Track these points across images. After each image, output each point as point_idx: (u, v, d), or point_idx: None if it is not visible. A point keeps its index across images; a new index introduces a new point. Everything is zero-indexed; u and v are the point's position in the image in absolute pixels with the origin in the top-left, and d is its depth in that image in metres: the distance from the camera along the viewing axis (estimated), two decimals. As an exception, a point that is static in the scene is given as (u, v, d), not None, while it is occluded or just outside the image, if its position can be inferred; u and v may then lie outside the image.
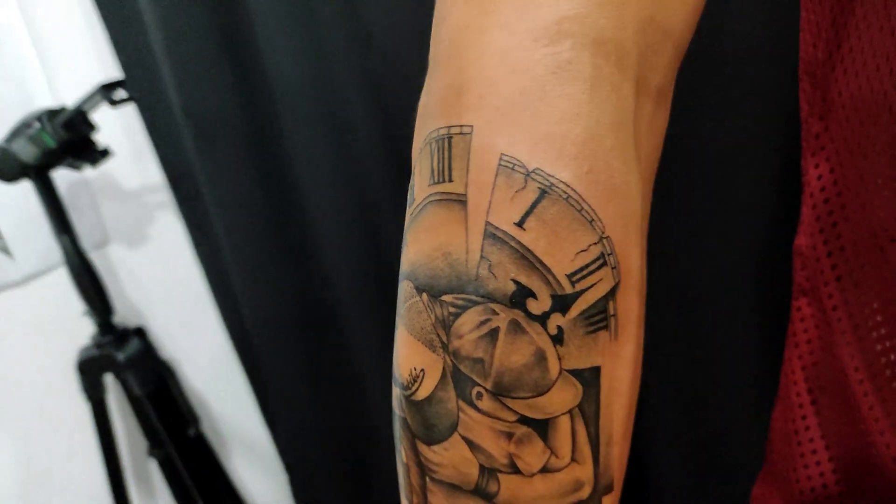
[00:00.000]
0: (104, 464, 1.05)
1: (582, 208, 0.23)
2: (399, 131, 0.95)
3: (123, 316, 1.18)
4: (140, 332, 1.05)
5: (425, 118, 0.26)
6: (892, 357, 0.35)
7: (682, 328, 0.77)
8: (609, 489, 0.26)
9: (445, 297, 0.25)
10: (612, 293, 0.24)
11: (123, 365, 0.98)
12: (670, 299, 0.76)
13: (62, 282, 1.11)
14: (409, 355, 0.26)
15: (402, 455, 0.28)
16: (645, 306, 0.28)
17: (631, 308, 0.25)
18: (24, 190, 1.04)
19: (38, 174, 0.91)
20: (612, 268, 0.24)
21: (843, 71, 0.32)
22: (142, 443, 1.21)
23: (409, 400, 0.26)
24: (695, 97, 0.64)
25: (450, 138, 0.24)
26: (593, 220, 0.23)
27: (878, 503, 0.38)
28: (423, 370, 0.26)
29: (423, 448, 0.26)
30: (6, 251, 1.08)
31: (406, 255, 0.27)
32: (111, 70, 1.12)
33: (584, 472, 0.25)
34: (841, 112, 0.33)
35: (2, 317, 1.08)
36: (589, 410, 0.25)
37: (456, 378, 0.25)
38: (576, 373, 0.24)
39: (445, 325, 0.25)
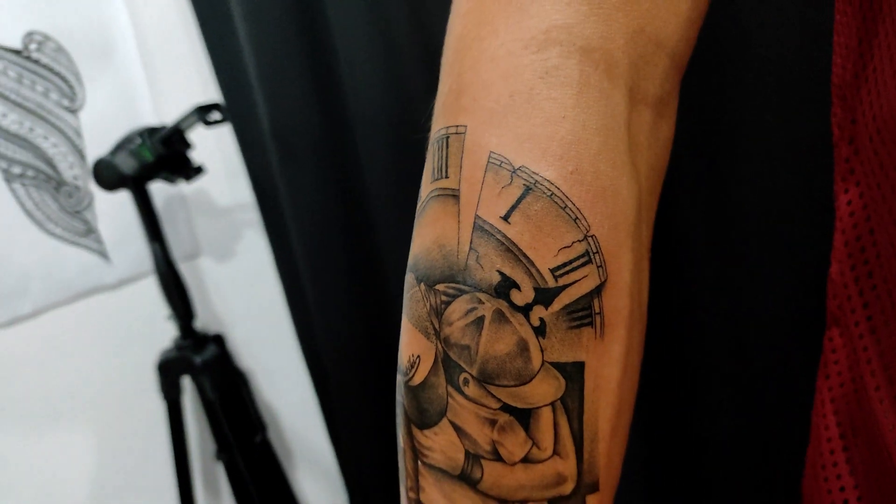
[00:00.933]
0: (174, 462, 1.11)
1: (566, 206, 0.24)
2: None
3: (205, 323, 1.25)
4: (218, 339, 1.11)
5: (433, 121, 0.28)
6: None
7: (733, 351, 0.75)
8: (594, 488, 0.26)
9: (439, 287, 0.26)
10: (597, 291, 0.25)
11: (200, 368, 1.04)
12: (725, 333, 0.74)
13: (151, 289, 1.19)
14: (408, 342, 0.28)
15: (399, 440, 0.29)
16: (644, 310, 0.29)
17: (619, 308, 0.26)
18: (126, 201, 1.14)
19: (136, 185, 0.99)
20: (598, 266, 0.25)
21: (868, 91, 0.32)
22: (211, 446, 1.26)
23: (406, 385, 0.28)
24: (739, 123, 0.64)
25: (447, 138, 0.26)
26: (578, 218, 0.25)
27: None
28: (419, 356, 0.27)
29: (416, 432, 0.28)
30: (104, 256, 1.17)
31: (411, 249, 0.29)
32: (212, 94, 1.21)
33: (567, 466, 0.26)
34: (866, 133, 0.33)
35: (94, 317, 1.17)
36: (572, 405, 0.26)
37: (446, 364, 0.26)
38: (558, 366, 0.25)
39: (438, 312, 0.26)
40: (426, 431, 0.27)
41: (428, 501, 0.28)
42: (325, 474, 1.44)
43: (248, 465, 1.08)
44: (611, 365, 0.26)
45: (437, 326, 0.26)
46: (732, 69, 0.65)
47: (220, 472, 1.29)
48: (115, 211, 1.16)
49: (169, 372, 1.07)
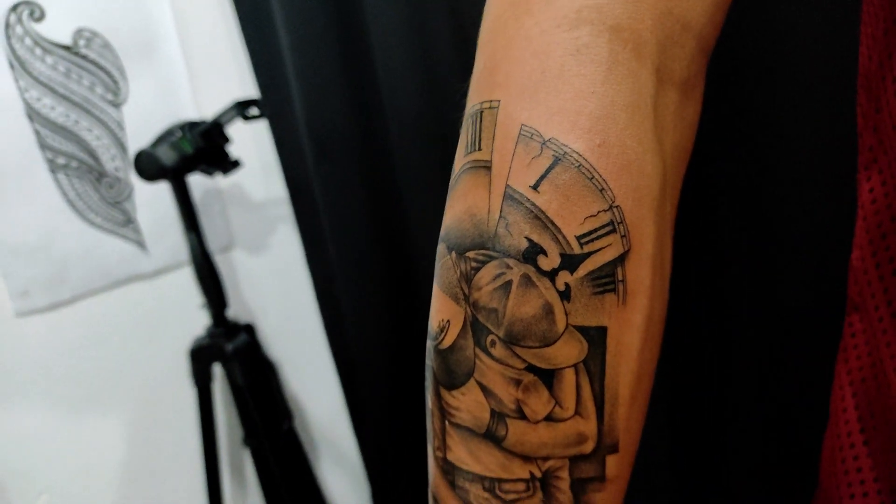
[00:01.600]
0: (202, 447, 1.13)
1: (593, 177, 0.26)
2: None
3: (236, 314, 1.28)
4: (249, 329, 1.14)
5: (468, 98, 0.30)
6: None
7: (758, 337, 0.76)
8: (613, 449, 0.28)
9: (469, 254, 0.28)
10: (620, 259, 0.26)
11: (231, 355, 1.06)
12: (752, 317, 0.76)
13: (185, 279, 1.23)
14: (438, 308, 0.30)
15: (428, 402, 0.31)
16: (666, 284, 0.30)
17: (642, 278, 0.27)
18: (164, 193, 1.17)
19: (175, 176, 1.02)
20: (622, 236, 0.26)
21: (893, 80, 0.33)
22: (238, 434, 1.29)
23: (436, 349, 0.29)
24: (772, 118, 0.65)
25: (481, 112, 0.28)
26: (604, 189, 0.26)
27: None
28: (448, 321, 0.29)
29: (444, 393, 0.29)
30: (142, 246, 1.20)
31: (444, 221, 0.30)
32: (250, 90, 1.24)
33: (588, 426, 0.27)
34: (890, 122, 0.33)
35: (130, 305, 1.20)
36: (594, 368, 0.27)
37: (474, 327, 0.28)
38: (582, 329, 0.26)
39: (468, 278, 0.28)
40: (454, 392, 0.29)
41: (454, 460, 0.29)
42: (347, 466, 1.46)
43: (274, 451, 1.10)
44: (632, 332, 0.27)
45: (466, 291, 0.28)
46: (762, 64, 0.65)
47: (245, 458, 1.32)
48: (153, 203, 1.20)
49: (201, 359, 1.10)
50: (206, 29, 1.22)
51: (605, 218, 0.26)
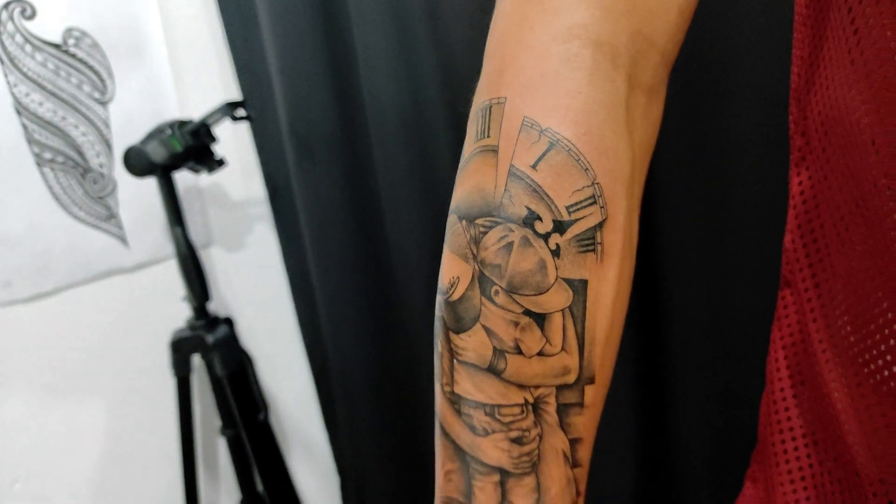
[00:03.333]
0: (180, 437, 1.17)
1: (579, 159, 0.32)
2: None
3: (213, 309, 1.32)
4: (229, 322, 1.18)
5: (477, 96, 0.36)
6: (856, 347, 0.41)
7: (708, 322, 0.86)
8: (591, 381, 0.34)
9: (478, 221, 0.34)
10: (599, 226, 0.33)
11: (212, 346, 1.10)
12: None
13: (164, 274, 1.26)
14: (449, 267, 0.36)
15: (438, 346, 0.37)
16: (633, 250, 0.37)
17: (615, 242, 0.34)
18: (145, 190, 1.21)
19: (163, 172, 1.06)
20: (601, 207, 0.33)
21: (815, 93, 0.40)
22: (212, 425, 1.33)
23: (446, 302, 0.36)
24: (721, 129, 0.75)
25: (490, 107, 0.34)
26: (587, 168, 0.33)
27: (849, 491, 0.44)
28: (458, 277, 0.35)
29: (453, 337, 0.35)
30: (123, 240, 1.24)
31: (454, 196, 0.37)
32: (233, 92, 1.29)
33: (571, 360, 0.34)
34: (814, 128, 0.41)
35: (110, 298, 1.23)
36: (577, 313, 0.33)
37: (481, 280, 0.34)
38: (568, 281, 0.33)
39: (476, 240, 0.34)
40: (461, 335, 0.35)
41: (461, 392, 0.35)
42: (317, 459, 1.50)
43: (251, 440, 1.14)
44: (607, 285, 0.34)
45: (474, 252, 0.34)
46: (715, 81, 0.74)
47: (219, 448, 1.35)
48: (135, 199, 1.23)
49: (181, 350, 1.14)
50: (191, 31, 1.26)
51: (588, 192, 0.33)
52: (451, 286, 0.35)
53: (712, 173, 0.79)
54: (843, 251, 0.40)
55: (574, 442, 0.34)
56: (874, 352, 0.38)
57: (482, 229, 0.34)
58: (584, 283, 0.33)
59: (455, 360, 0.35)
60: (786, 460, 0.46)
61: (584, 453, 0.35)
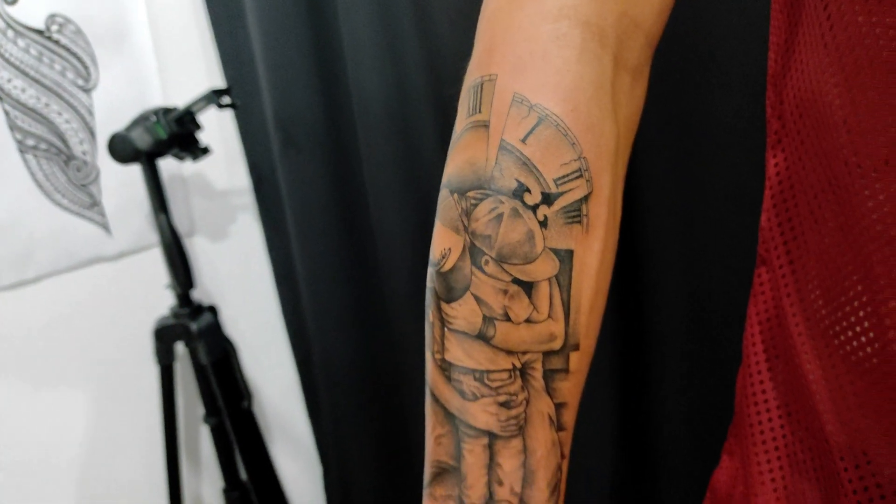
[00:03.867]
0: (163, 425, 1.17)
1: (567, 134, 0.34)
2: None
3: (196, 298, 1.32)
4: (213, 310, 1.18)
5: (468, 74, 0.38)
6: (827, 321, 0.43)
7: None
8: (576, 347, 0.36)
9: (469, 193, 0.35)
10: (585, 199, 0.35)
11: (196, 334, 1.11)
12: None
13: (147, 263, 1.26)
14: (441, 239, 0.37)
15: (429, 316, 0.38)
16: (617, 223, 0.38)
17: (599, 215, 0.35)
18: (128, 178, 1.21)
19: (148, 160, 1.06)
20: (587, 180, 0.34)
21: (790, 78, 0.42)
22: (194, 414, 1.33)
23: (438, 272, 0.37)
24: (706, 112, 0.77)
25: (482, 84, 0.36)
26: (574, 143, 0.34)
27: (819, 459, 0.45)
28: (449, 248, 0.36)
29: (444, 306, 0.37)
30: (106, 228, 1.23)
31: (446, 171, 0.38)
32: (217, 81, 1.29)
33: (557, 327, 0.35)
34: (790, 111, 0.43)
35: (93, 286, 1.23)
36: (563, 282, 0.35)
37: (472, 250, 0.35)
38: (555, 251, 0.34)
39: (468, 213, 0.35)
40: (452, 304, 0.36)
41: (451, 358, 0.36)
42: (300, 448, 1.50)
43: (235, 428, 1.15)
44: (591, 255, 0.35)
45: (466, 223, 0.35)
46: (698, 66, 0.77)
47: (200, 437, 1.36)
48: (118, 187, 1.23)
49: (165, 338, 1.14)
50: (176, 19, 1.26)
51: (575, 166, 0.34)
52: (443, 257, 0.37)
53: (690, 156, 0.82)
54: (815, 229, 0.42)
55: (559, 406, 0.36)
56: (844, 324, 0.40)
57: (473, 201, 0.35)
58: (570, 253, 0.35)
59: (446, 329, 0.37)
60: (760, 431, 0.48)
61: (569, 417, 0.37)
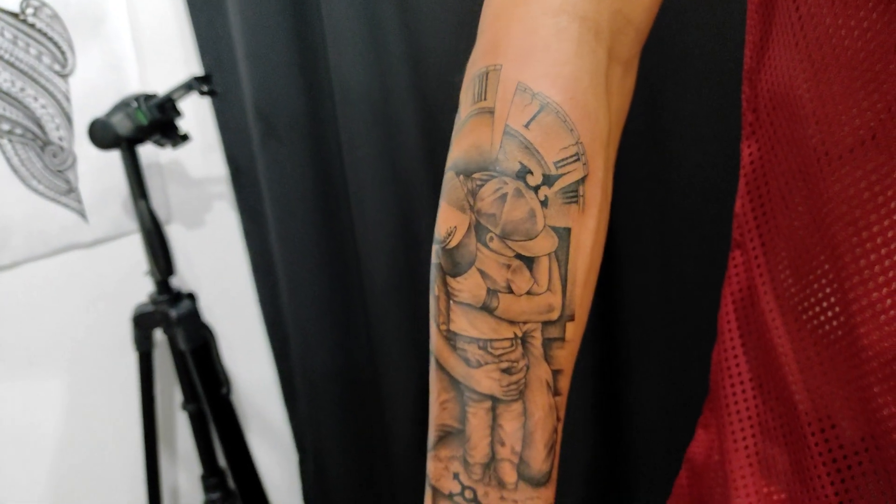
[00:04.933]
0: (141, 412, 1.17)
1: (566, 120, 0.37)
2: (440, 143, 1.10)
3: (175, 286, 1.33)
4: (191, 296, 1.19)
5: (471, 65, 0.40)
6: (797, 297, 0.47)
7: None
8: (571, 318, 0.39)
9: (475, 175, 0.38)
10: (581, 181, 0.37)
11: (175, 321, 1.11)
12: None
13: (123, 250, 1.26)
14: (446, 218, 0.40)
15: (434, 290, 0.40)
16: (608, 204, 0.41)
17: (594, 196, 0.38)
18: (106, 165, 1.21)
19: (128, 145, 1.06)
20: (584, 164, 0.37)
21: (764, 73, 0.46)
22: (168, 402, 1.34)
23: (444, 249, 0.39)
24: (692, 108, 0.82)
25: (487, 73, 0.38)
26: (573, 129, 0.37)
27: (790, 432, 0.49)
28: (455, 226, 0.39)
29: (450, 280, 0.39)
30: (83, 215, 1.23)
31: (451, 155, 0.40)
32: (194, 68, 1.29)
33: (555, 299, 0.38)
34: (763, 104, 0.46)
35: (68, 272, 1.23)
36: (561, 257, 0.38)
37: (477, 228, 0.38)
38: (554, 228, 0.37)
39: (473, 193, 0.38)
40: (458, 278, 0.39)
41: (456, 329, 0.39)
42: (276, 437, 1.52)
43: (214, 415, 1.16)
44: (587, 233, 0.38)
45: (471, 203, 0.38)
46: (677, 62, 0.81)
47: (177, 424, 1.36)
48: (95, 173, 1.23)
49: (144, 325, 1.14)
50: (154, 6, 1.26)
51: (573, 150, 0.37)
52: (449, 235, 0.39)
53: (663, 147, 0.86)
54: (786, 213, 0.46)
55: (556, 373, 0.39)
56: (812, 300, 0.44)
57: (479, 182, 0.38)
58: (568, 230, 0.38)
59: (451, 301, 0.39)
60: (734, 402, 0.52)
61: (564, 384, 0.40)
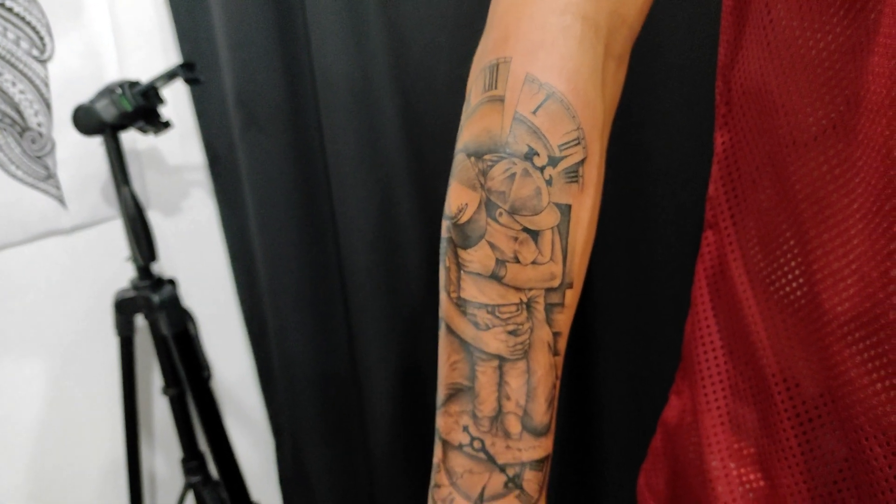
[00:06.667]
0: (123, 397, 1.19)
1: (569, 108, 0.41)
2: (420, 133, 1.14)
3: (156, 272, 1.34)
4: (172, 282, 1.20)
5: (481, 58, 0.44)
6: (765, 270, 0.52)
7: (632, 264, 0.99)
8: (570, 286, 0.43)
9: (486, 156, 0.42)
10: (581, 163, 0.42)
11: (158, 306, 1.13)
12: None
13: (101, 236, 1.27)
14: (457, 196, 0.44)
15: (445, 262, 0.44)
16: (601, 184, 0.46)
17: (591, 176, 0.43)
18: (85, 151, 1.21)
19: (112, 132, 1.07)
20: (583, 147, 0.42)
21: (737, 69, 0.51)
22: (146, 387, 1.35)
23: (455, 225, 0.43)
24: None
25: (497, 65, 0.42)
26: (575, 116, 0.41)
27: (758, 392, 0.55)
28: (467, 203, 0.43)
29: (461, 252, 0.43)
30: (62, 202, 1.23)
31: (461, 139, 0.44)
32: (172, 56, 1.30)
33: (557, 269, 0.42)
34: (735, 96, 0.52)
35: (47, 259, 1.23)
36: (563, 230, 0.42)
37: (487, 205, 0.42)
38: (557, 205, 0.41)
39: (484, 172, 0.42)
40: (468, 250, 0.43)
41: (466, 296, 0.43)
42: (252, 424, 1.54)
43: (196, 399, 1.18)
44: (584, 210, 0.43)
45: (482, 182, 0.42)
46: (656, 58, 0.86)
47: (153, 407, 1.38)
48: (74, 160, 1.23)
49: (125, 310, 1.16)
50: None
51: (575, 135, 0.41)
52: (460, 211, 0.43)
53: (635, 138, 0.91)
54: (756, 194, 0.51)
55: (556, 335, 0.43)
56: (779, 272, 0.49)
57: (490, 163, 0.42)
58: (569, 207, 0.42)
59: (462, 271, 0.43)
60: (707, 367, 0.57)
61: (562, 345, 0.44)
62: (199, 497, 1.27)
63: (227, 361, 1.49)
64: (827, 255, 0.44)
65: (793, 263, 0.48)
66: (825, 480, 0.48)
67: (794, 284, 0.48)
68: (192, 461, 1.26)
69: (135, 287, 1.16)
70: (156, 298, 1.14)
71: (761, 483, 0.54)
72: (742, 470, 0.55)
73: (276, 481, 1.56)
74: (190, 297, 1.40)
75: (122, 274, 1.25)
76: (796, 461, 0.50)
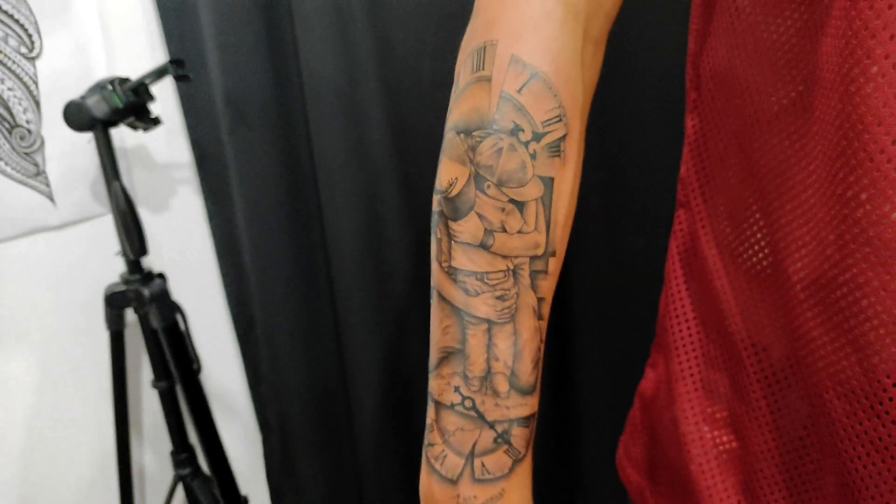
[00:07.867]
0: (113, 390, 1.20)
1: (551, 87, 0.44)
2: (406, 129, 1.17)
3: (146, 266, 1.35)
4: (162, 276, 1.22)
5: (468, 42, 0.47)
6: (733, 243, 0.56)
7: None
8: (553, 254, 0.46)
9: (474, 133, 0.45)
10: (563, 138, 0.45)
11: (148, 300, 1.15)
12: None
13: (90, 233, 1.28)
14: (447, 171, 0.47)
15: (436, 234, 0.47)
16: (581, 160, 0.49)
17: (572, 151, 0.46)
18: (74, 148, 1.23)
19: (103, 128, 1.09)
20: (565, 124, 0.45)
21: (705, 56, 0.54)
22: (134, 381, 1.36)
23: (446, 198, 0.46)
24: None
25: (485, 47, 0.45)
26: (557, 95, 0.44)
27: (730, 365, 0.58)
28: (457, 177, 0.46)
29: (451, 223, 0.46)
30: (51, 198, 1.25)
31: (451, 117, 0.47)
32: (160, 53, 1.32)
33: (541, 238, 0.45)
34: (705, 81, 0.55)
35: (35, 255, 1.24)
36: (546, 202, 0.45)
37: (476, 178, 0.45)
38: (541, 178, 0.45)
39: (473, 148, 0.45)
40: (459, 221, 0.46)
41: (457, 265, 0.46)
42: (239, 421, 1.55)
43: (186, 392, 1.20)
44: (566, 182, 0.46)
45: (471, 157, 0.45)
46: (630, 48, 0.90)
47: (141, 401, 1.39)
48: (62, 157, 1.25)
49: (116, 304, 1.17)
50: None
51: (557, 112, 0.45)
52: (451, 185, 0.46)
53: (610, 123, 0.95)
54: (724, 172, 0.55)
55: (540, 300, 0.46)
56: (746, 244, 0.53)
57: (478, 139, 0.45)
58: (552, 179, 0.45)
59: (452, 242, 0.46)
60: (681, 338, 0.61)
61: (546, 310, 0.47)
62: (188, 490, 1.28)
63: (214, 357, 1.50)
64: (789, 223, 0.47)
65: (759, 235, 0.52)
66: (791, 437, 0.52)
67: (761, 255, 0.52)
68: (181, 453, 1.27)
69: (125, 281, 1.18)
70: (146, 292, 1.16)
71: (734, 444, 0.57)
72: (715, 433, 0.58)
73: (263, 475, 1.57)
74: (178, 294, 1.42)
75: (111, 269, 1.26)
76: (766, 420, 0.54)
